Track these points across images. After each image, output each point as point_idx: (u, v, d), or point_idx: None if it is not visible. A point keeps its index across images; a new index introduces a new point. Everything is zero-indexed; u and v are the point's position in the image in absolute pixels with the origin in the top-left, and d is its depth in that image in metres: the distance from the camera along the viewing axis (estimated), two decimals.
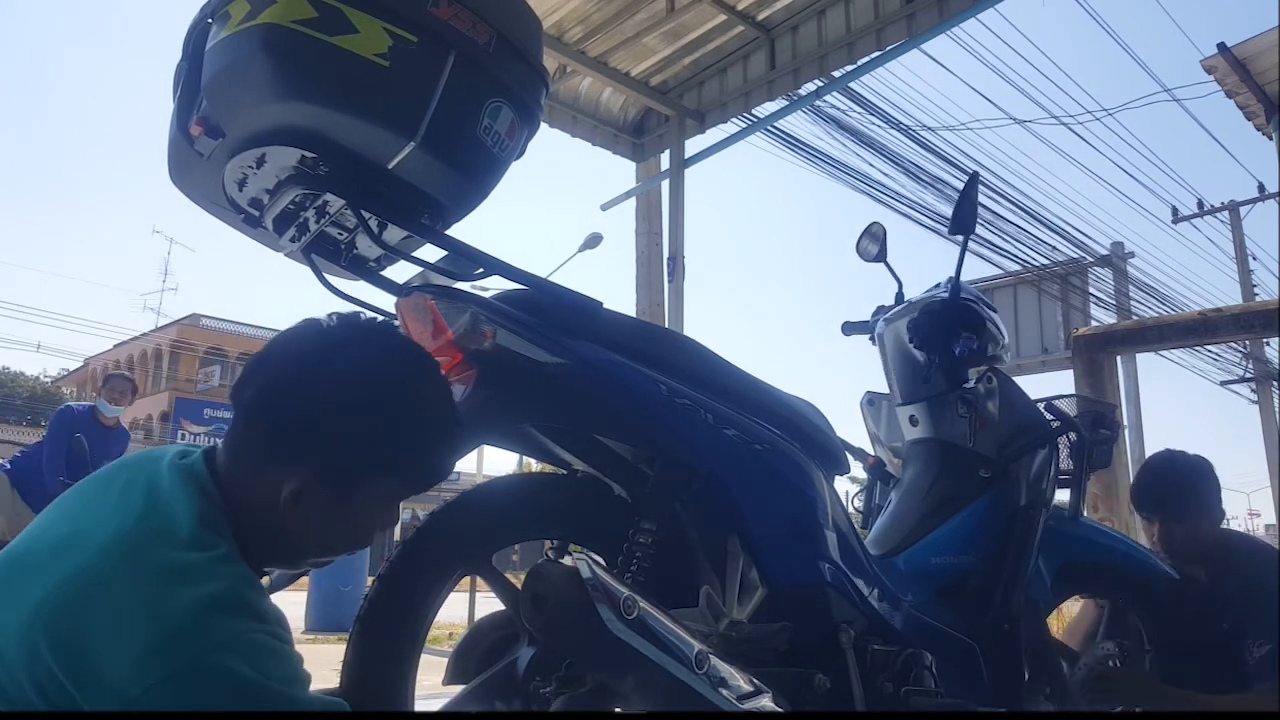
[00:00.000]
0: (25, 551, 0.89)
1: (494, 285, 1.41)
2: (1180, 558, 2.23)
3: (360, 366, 0.98)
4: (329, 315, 1.04)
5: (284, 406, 0.96)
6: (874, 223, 2.33)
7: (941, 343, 1.98)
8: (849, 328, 2.40)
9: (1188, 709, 2.04)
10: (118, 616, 0.80)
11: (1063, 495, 2.14)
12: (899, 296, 2.27)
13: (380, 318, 1.29)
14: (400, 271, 1.48)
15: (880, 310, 2.27)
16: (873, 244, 2.31)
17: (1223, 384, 12.69)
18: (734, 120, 5.28)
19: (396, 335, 1.12)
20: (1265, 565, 2.18)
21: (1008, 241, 8.95)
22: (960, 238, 2.02)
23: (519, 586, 1.18)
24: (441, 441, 1.06)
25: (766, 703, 1.26)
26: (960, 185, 2.46)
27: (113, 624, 0.80)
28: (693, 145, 5.29)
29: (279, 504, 0.94)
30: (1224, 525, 2.26)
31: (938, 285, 2.18)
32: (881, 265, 2.31)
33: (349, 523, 1.00)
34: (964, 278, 2.09)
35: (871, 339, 2.27)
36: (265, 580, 1.02)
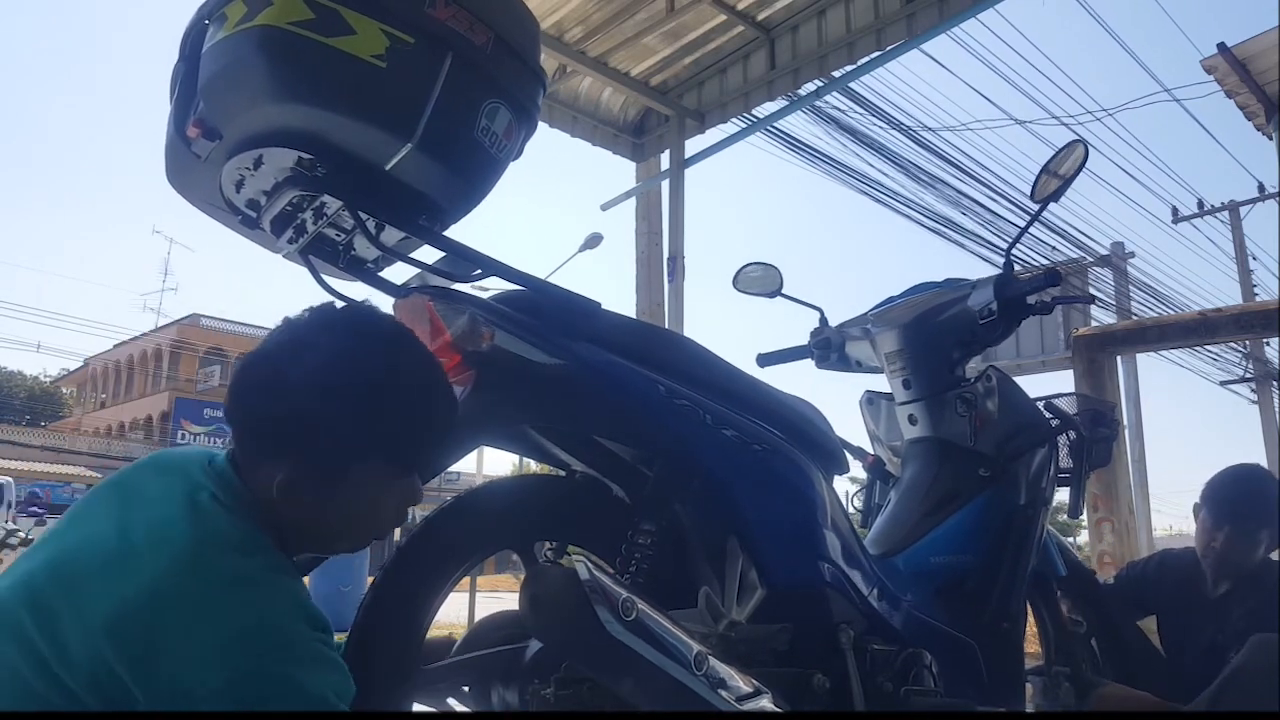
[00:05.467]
0: (75, 558, 0.90)
1: (492, 286, 1.41)
2: (1224, 567, 2.24)
3: (325, 355, 0.98)
4: (304, 310, 1.04)
5: (260, 406, 0.99)
6: (754, 263, 2.33)
7: (1014, 312, 1.95)
8: (765, 360, 2.34)
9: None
10: (185, 625, 0.83)
11: (1062, 494, 2.13)
12: (823, 320, 2.25)
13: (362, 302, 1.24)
14: (398, 273, 1.48)
15: (818, 332, 2.24)
16: (766, 282, 2.31)
17: (1223, 384, 12.70)
18: (734, 120, 5.27)
19: (367, 318, 1.08)
20: None
21: (1008, 241, 8.94)
22: (1036, 207, 1.97)
23: (518, 587, 1.18)
24: (421, 416, 1.04)
25: (766, 703, 1.25)
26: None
27: (180, 632, 0.83)
28: (693, 145, 5.29)
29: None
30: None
31: (944, 285, 2.14)
32: (807, 291, 2.28)
33: (350, 510, 1.01)
34: (961, 278, 2.09)
35: (822, 360, 2.24)
36: None
